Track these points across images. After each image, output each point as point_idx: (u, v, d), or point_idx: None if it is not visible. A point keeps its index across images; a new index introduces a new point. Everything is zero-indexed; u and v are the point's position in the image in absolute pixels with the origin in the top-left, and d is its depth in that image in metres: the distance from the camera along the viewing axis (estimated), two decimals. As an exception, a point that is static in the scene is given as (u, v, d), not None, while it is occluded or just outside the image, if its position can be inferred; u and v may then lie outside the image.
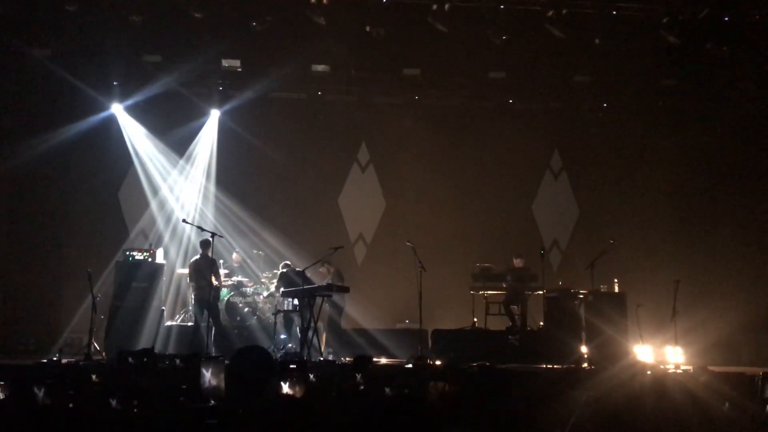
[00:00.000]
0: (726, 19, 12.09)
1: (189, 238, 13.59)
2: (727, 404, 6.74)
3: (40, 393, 5.21)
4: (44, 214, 13.57)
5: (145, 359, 7.95)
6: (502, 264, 12.58)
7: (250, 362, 6.55)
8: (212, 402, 5.68)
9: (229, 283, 12.36)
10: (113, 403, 4.97)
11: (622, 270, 12.30)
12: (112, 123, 13.87)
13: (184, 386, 5.95)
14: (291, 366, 7.23)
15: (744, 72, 13.31)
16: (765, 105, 13.82)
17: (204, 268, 11.11)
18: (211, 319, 10.79)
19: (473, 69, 13.58)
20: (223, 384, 6.03)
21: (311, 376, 6.90)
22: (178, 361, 7.84)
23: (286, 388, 5.75)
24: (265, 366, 6.62)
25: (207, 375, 6.01)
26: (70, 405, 5.14)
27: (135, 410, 5.06)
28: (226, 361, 6.35)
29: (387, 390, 5.97)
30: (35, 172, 13.26)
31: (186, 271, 11.92)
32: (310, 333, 10.25)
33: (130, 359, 8.13)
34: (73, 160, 13.65)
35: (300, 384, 5.82)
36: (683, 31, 12.00)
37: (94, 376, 6.81)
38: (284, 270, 11.81)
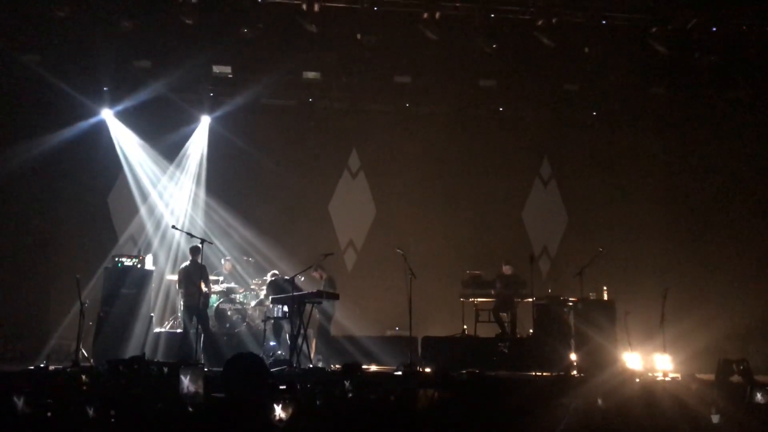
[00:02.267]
0: (714, 29, 12.22)
1: (178, 245, 13.55)
2: (714, 411, 6.79)
3: (20, 402, 5.17)
4: (33, 219, 13.52)
5: (135, 366, 7.90)
6: (491, 271, 12.58)
7: (244, 369, 6.53)
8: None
9: (219, 289, 12.32)
10: (90, 411, 4.93)
11: (611, 278, 12.31)
12: (102, 128, 13.83)
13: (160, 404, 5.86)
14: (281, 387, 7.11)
15: (732, 81, 13.44)
16: (752, 114, 13.95)
17: (193, 275, 11.06)
18: (200, 326, 10.74)
19: (463, 77, 13.64)
20: (202, 390, 6.01)
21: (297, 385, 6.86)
22: (166, 369, 7.78)
23: (278, 410, 5.69)
24: (258, 372, 6.60)
25: (185, 382, 5.99)
26: (49, 414, 5.09)
27: (112, 420, 5.02)
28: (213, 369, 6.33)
29: (372, 397, 5.97)
30: (24, 178, 13.19)
31: (175, 277, 11.87)
32: (299, 340, 10.21)
33: (120, 367, 8.07)
34: (63, 165, 13.58)
35: (291, 405, 5.76)
36: (672, 41, 12.14)
37: (83, 377, 6.74)
38: (273, 278, 11.77)
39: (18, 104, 13.39)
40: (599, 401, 6.93)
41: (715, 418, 6.78)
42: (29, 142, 12.84)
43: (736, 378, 8.96)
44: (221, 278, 12.61)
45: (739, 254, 13.96)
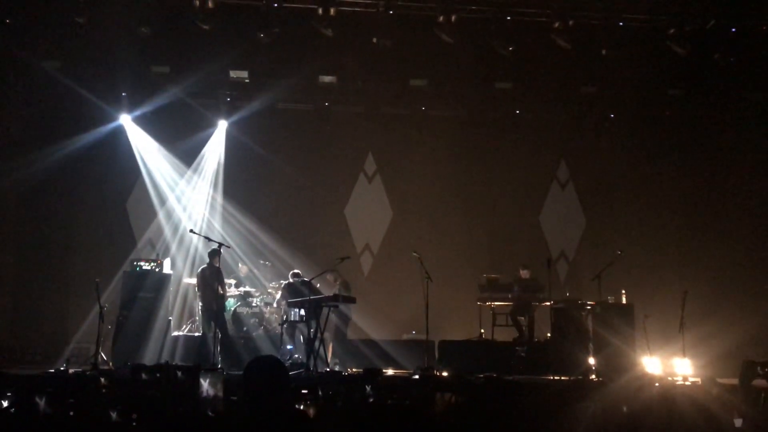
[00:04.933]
0: (733, 30, 12.10)
1: (196, 249, 13.61)
2: (737, 415, 6.70)
3: (42, 402, 5.20)
4: (52, 224, 13.66)
5: (158, 374, 7.91)
6: (509, 275, 12.54)
7: (265, 372, 6.52)
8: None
9: (236, 293, 12.36)
10: (113, 415, 4.95)
11: (629, 281, 12.21)
12: (120, 134, 13.93)
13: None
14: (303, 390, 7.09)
15: (751, 82, 13.30)
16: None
17: (209, 278, 11.09)
18: (217, 330, 10.78)
19: (479, 80, 13.60)
20: (221, 394, 6.03)
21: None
22: (180, 373, 7.80)
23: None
24: (279, 376, 6.58)
25: (205, 385, 6.01)
26: (71, 413, 5.12)
27: (134, 423, 5.04)
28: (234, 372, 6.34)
29: (389, 401, 5.96)
30: (44, 183, 13.34)
31: (193, 281, 11.94)
32: (316, 343, 10.22)
33: (143, 374, 8.09)
34: (82, 170, 13.71)
35: (312, 406, 5.78)
36: (690, 42, 12.02)
37: (103, 380, 6.78)
38: (290, 280, 11.79)
39: (37, 110, 13.53)
40: (618, 406, 6.87)
41: (738, 423, 6.69)
42: (49, 148, 12.97)
43: (759, 381, 8.84)
44: (235, 282, 12.66)
45: (760, 256, 13.78)
